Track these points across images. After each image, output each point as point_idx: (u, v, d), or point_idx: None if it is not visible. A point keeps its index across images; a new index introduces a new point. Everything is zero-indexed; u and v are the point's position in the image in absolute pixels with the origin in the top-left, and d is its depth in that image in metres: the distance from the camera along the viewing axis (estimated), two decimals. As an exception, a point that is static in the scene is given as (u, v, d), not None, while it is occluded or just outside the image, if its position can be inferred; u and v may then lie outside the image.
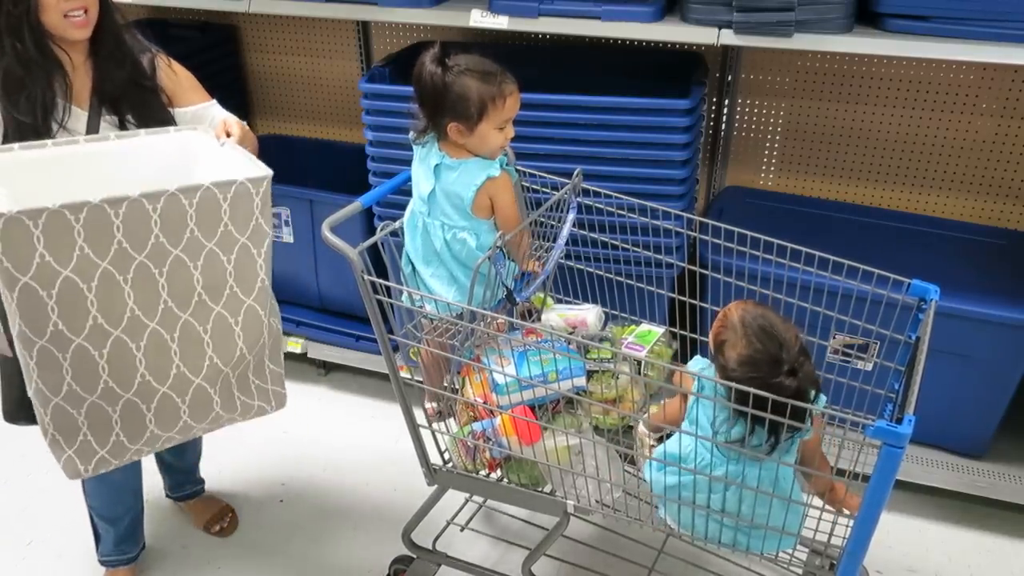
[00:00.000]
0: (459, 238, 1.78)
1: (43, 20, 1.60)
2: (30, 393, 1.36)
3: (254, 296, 1.41)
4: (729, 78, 2.62)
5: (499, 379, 1.75)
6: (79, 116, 1.71)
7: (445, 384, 1.90)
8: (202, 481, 2.39)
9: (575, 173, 1.93)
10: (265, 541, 2.33)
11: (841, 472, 1.56)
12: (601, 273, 2.02)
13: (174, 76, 1.85)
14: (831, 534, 1.67)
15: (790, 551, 1.70)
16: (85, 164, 1.53)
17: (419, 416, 1.86)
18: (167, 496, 2.39)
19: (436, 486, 1.95)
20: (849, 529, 1.48)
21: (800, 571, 1.82)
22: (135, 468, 2.07)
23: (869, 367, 2.10)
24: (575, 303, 2.04)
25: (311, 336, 2.87)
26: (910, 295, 1.69)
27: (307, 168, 3.01)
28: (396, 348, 1.81)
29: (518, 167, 1.90)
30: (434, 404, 1.91)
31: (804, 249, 1.74)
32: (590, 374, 1.82)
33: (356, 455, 2.62)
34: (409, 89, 2.31)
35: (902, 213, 2.58)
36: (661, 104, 2.13)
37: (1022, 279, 2.21)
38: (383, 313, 1.71)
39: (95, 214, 1.18)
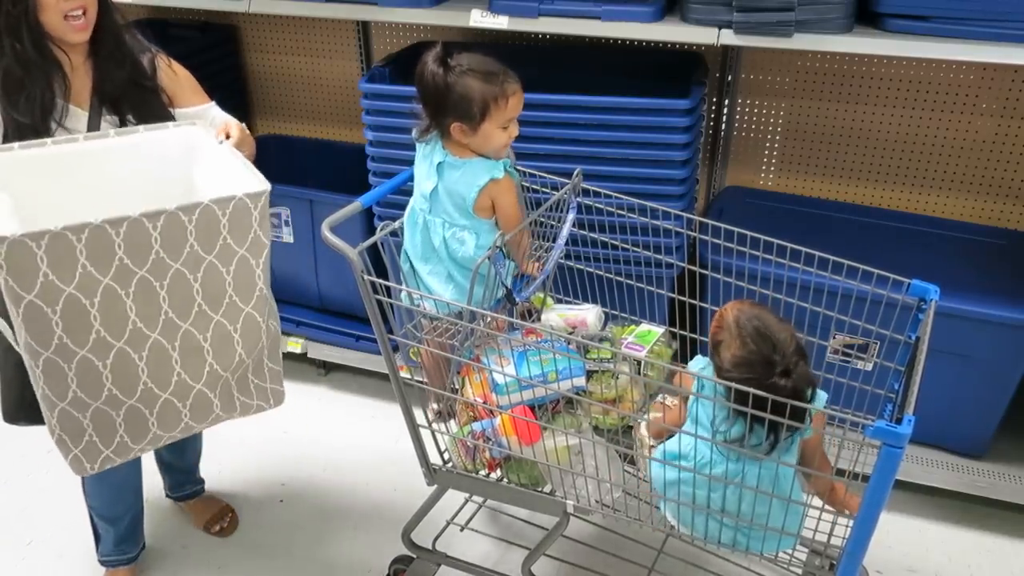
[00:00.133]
0: (459, 237, 1.79)
1: (42, 20, 1.60)
2: (38, 396, 1.36)
3: (252, 304, 1.42)
4: (729, 78, 2.62)
5: (499, 379, 1.75)
6: (79, 116, 1.71)
7: (445, 386, 1.90)
8: (202, 481, 2.39)
9: (575, 173, 1.93)
10: (265, 541, 2.33)
11: (841, 472, 1.56)
12: (601, 273, 2.02)
13: (174, 76, 1.85)
14: (831, 534, 1.67)
15: (790, 551, 1.70)
16: (85, 162, 1.54)
17: (419, 416, 1.86)
18: (167, 496, 2.39)
19: (436, 486, 1.95)
20: (849, 529, 1.48)
21: (800, 571, 1.82)
22: (135, 468, 2.07)
23: (869, 367, 2.10)
24: (575, 303, 2.04)
25: (311, 336, 2.87)
26: (910, 295, 1.69)
27: (307, 168, 3.01)
28: (396, 348, 1.81)
29: (518, 167, 1.90)
30: (436, 406, 1.91)
31: (804, 249, 1.74)
32: (590, 374, 1.82)
33: (356, 455, 2.62)
34: (409, 89, 2.31)
35: (902, 213, 2.58)
36: (661, 104, 2.13)
37: (1022, 279, 2.21)
38: (383, 313, 1.71)
39: (97, 234, 1.19)
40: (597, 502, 1.76)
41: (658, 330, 1.96)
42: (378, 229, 1.81)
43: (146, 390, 1.35)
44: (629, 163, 2.19)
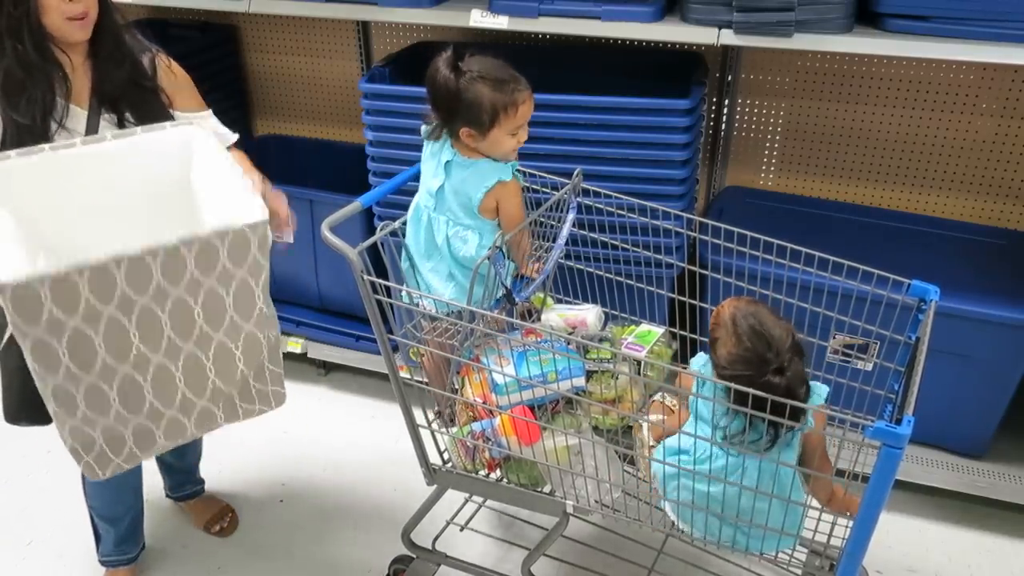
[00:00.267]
0: (462, 236, 1.79)
1: (44, 22, 1.60)
2: (49, 411, 1.38)
3: (253, 322, 1.44)
4: (729, 78, 2.62)
5: (499, 379, 1.75)
6: (79, 116, 1.70)
7: (445, 386, 1.90)
8: (202, 481, 2.39)
9: (575, 173, 1.94)
10: (265, 541, 2.33)
11: (841, 472, 1.56)
12: (601, 273, 2.02)
13: (173, 78, 1.84)
14: (831, 534, 1.67)
15: (790, 551, 1.70)
16: (83, 167, 1.54)
17: (419, 416, 1.86)
18: (167, 496, 2.39)
19: (436, 486, 1.95)
20: (849, 529, 1.48)
21: (800, 571, 1.82)
22: (136, 469, 2.07)
23: (869, 367, 2.10)
24: (575, 303, 2.04)
25: (311, 336, 2.87)
26: (910, 295, 1.69)
27: (307, 168, 3.01)
28: (396, 348, 1.81)
29: (520, 168, 1.90)
30: (436, 408, 1.91)
31: (804, 249, 1.74)
32: (590, 374, 1.82)
33: (356, 455, 2.62)
34: (409, 89, 2.33)
35: (902, 213, 2.58)
36: (661, 104, 2.12)
37: (1022, 279, 2.21)
38: (383, 313, 1.71)
39: (99, 271, 1.22)
40: (597, 502, 1.76)
41: (658, 330, 1.96)
42: (378, 229, 1.82)
43: (152, 409, 1.38)
44: (629, 163, 2.19)
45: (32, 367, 1.28)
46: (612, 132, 2.17)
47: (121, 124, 1.74)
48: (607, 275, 2.02)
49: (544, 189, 1.96)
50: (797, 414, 1.43)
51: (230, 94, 3.21)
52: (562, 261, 1.90)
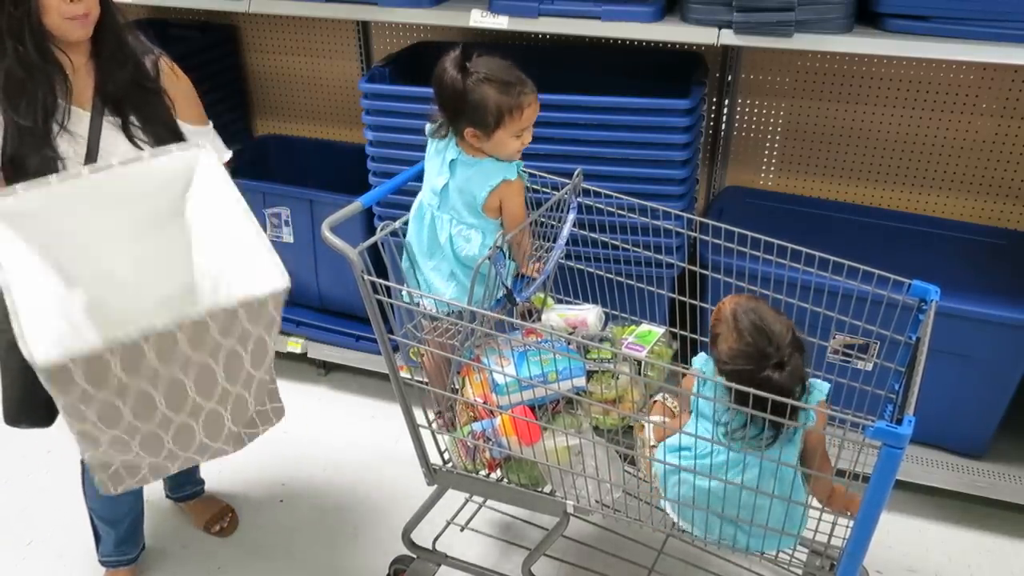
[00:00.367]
0: (465, 235, 1.79)
1: (45, 22, 1.59)
2: (74, 438, 1.40)
3: (264, 369, 1.48)
4: (729, 78, 2.62)
5: (499, 379, 1.75)
6: (81, 117, 1.70)
7: (446, 386, 1.90)
8: (202, 481, 2.39)
9: (575, 173, 1.94)
10: (265, 541, 2.33)
11: (841, 473, 1.56)
12: (601, 273, 2.02)
13: (176, 82, 1.83)
14: (831, 534, 1.67)
15: (790, 550, 1.70)
16: (91, 199, 1.56)
17: (419, 416, 1.86)
18: (167, 496, 2.39)
19: (436, 486, 1.95)
20: (849, 529, 1.48)
21: (800, 571, 1.82)
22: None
23: (869, 367, 2.10)
24: (575, 303, 2.04)
25: (311, 336, 2.87)
26: (910, 296, 1.69)
27: (307, 168, 3.02)
28: (396, 348, 1.81)
29: (523, 168, 1.90)
30: (438, 408, 1.90)
31: (804, 249, 1.74)
32: (590, 374, 1.82)
33: (356, 455, 2.62)
34: (409, 89, 2.33)
35: (902, 213, 2.58)
36: (661, 104, 2.12)
37: (1022, 279, 2.21)
38: (383, 313, 1.71)
39: (130, 349, 1.26)
40: (597, 502, 1.76)
41: (658, 330, 1.96)
42: (378, 229, 1.82)
43: (170, 452, 1.44)
44: (629, 163, 2.19)
45: (62, 413, 1.33)
46: (612, 132, 2.17)
47: (125, 127, 1.73)
48: (607, 275, 2.02)
49: (544, 189, 1.96)
50: (797, 411, 1.45)
51: (230, 94, 3.21)
52: (562, 261, 1.90)
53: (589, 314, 1.91)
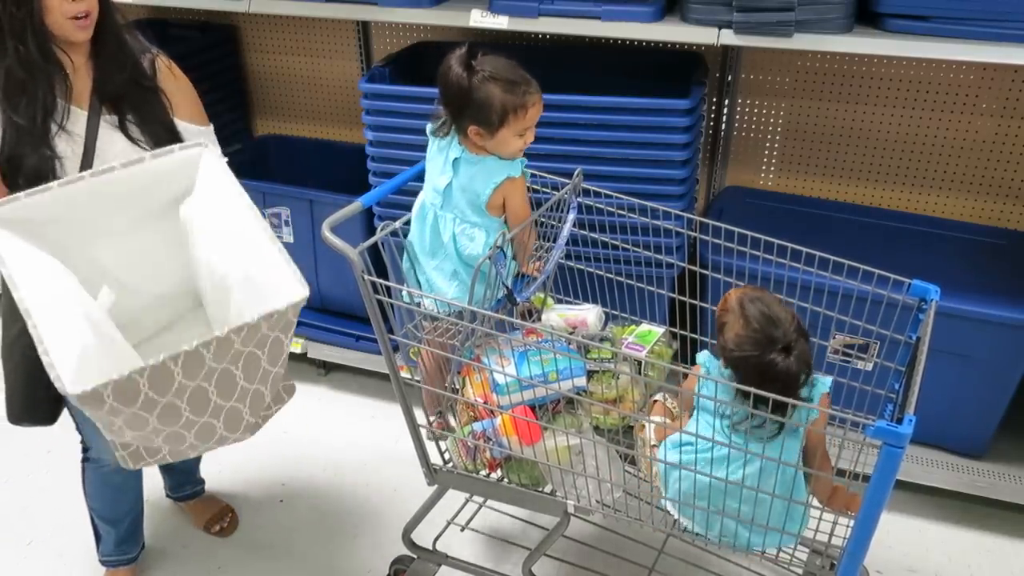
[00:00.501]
0: (468, 233, 1.79)
1: (47, 22, 1.59)
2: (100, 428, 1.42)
3: (280, 364, 1.50)
4: (729, 78, 2.62)
5: (499, 379, 1.75)
6: (78, 117, 1.70)
7: (445, 384, 1.90)
8: (202, 481, 2.39)
9: (575, 173, 1.94)
10: (265, 541, 2.33)
11: (842, 472, 1.56)
12: (601, 273, 2.02)
13: (174, 80, 1.83)
14: (831, 534, 1.67)
15: (791, 548, 1.70)
16: (93, 202, 1.57)
17: (419, 416, 1.86)
18: (167, 496, 2.39)
19: (436, 486, 1.95)
20: (849, 529, 1.48)
21: (800, 571, 1.82)
22: (136, 471, 2.07)
23: (869, 367, 2.10)
24: (575, 303, 2.04)
25: (311, 336, 2.87)
26: (910, 295, 1.69)
27: (307, 168, 3.02)
28: (396, 348, 1.81)
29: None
30: (428, 417, 1.90)
31: (804, 249, 1.74)
32: (590, 374, 1.82)
33: (356, 455, 2.62)
34: (409, 89, 2.33)
35: (902, 213, 2.58)
36: (661, 104, 2.13)
37: (1022, 279, 2.21)
38: (383, 313, 1.71)
39: (158, 371, 1.29)
40: (598, 502, 1.76)
41: (658, 330, 1.96)
42: (378, 229, 1.81)
43: (191, 444, 1.47)
44: (629, 163, 2.19)
45: (87, 414, 1.35)
46: (612, 132, 2.17)
47: (123, 125, 1.73)
48: (607, 275, 2.02)
49: (544, 189, 1.96)
50: (802, 394, 1.49)
51: (230, 94, 3.21)
52: (562, 261, 1.90)
53: (589, 314, 1.91)
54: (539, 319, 1.95)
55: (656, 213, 1.94)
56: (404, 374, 1.82)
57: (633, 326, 1.99)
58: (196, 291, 1.77)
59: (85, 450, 1.99)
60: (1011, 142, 2.46)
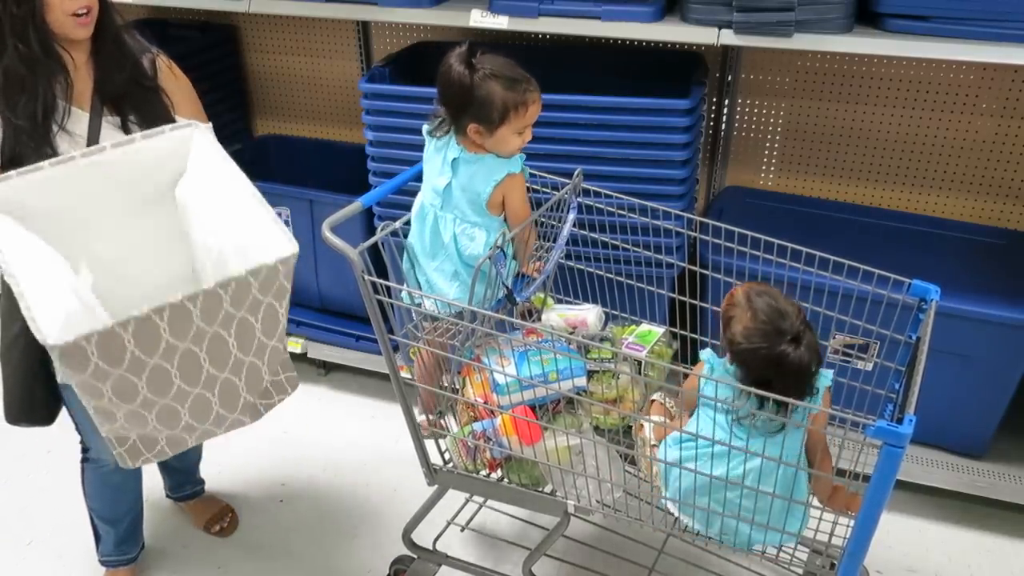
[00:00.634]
0: (469, 233, 1.79)
1: (48, 20, 1.59)
2: (89, 413, 1.40)
3: (277, 338, 1.48)
4: (729, 78, 2.62)
5: (499, 379, 1.75)
6: (79, 117, 1.70)
7: (444, 384, 1.90)
8: (202, 481, 2.39)
9: (575, 173, 1.94)
10: (265, 541, 2.33)
11: (842, 472, 1.56)
12: (601, 273, 2.02)
13: (174, 80, 1.83)
14: (832, 534, 1.67)
15: (791, 547, 1.70)
16: (85, 183, 1.55)
17: (419, 416, 1.86)
18: (167, 496, 2.39)
19: (436, 486, 1.95)
20: (849, 529, 1.48)
21: (800, 571, 1.82)
22: (136, 471, 2.07)
23: (869, 367, 2.10)
24: (575, 303, 2.04)
25: (311, 336, 2.87)
26: (910, 295, 1.69)
27: (307, 168, 3.01)
28: (396, 348, 1.81)
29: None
30: (427, 417, 1.90)
31: (804, 249, 1.75)
32: (590, 374, 1.82)
33: (356, 455, 2.62)
34: (409, 89, 2.33)
35: (902, 213, 2.58)
36: (661, 104, 2.13)
37: (1022, 279, 2.21)
38: (383, 313, 1.71)
39: (143, 324, 1.26)
40: (598, 502, 1.76)
41: (658, 330, 1.96)
42: (378, 229, 1.81)
43: (187, 424, 1.44)
44: (629, 163, 2.19)
45: (77, 392, 1.33)
46: (612, 132, 2.17)
47: (125, 126, 1.73)
48: (607, 275, 2.02)
49: (544, 189, 1.96)
50: (811, 386, 1.50)
51: (230, 94, 3.21)
52: (562, 261, 1.90)
53: (589, 314, 1.91)
54: (539, 319, 1.95)
55: (656, 213, 1.94)
56: (404, 374, 1.82)
57: (633, 326, 1.99)
58: (198, 277, 1.76)
59: (85, 450, 1.99)
60: (1011, 142, 2.46)
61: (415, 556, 2.08)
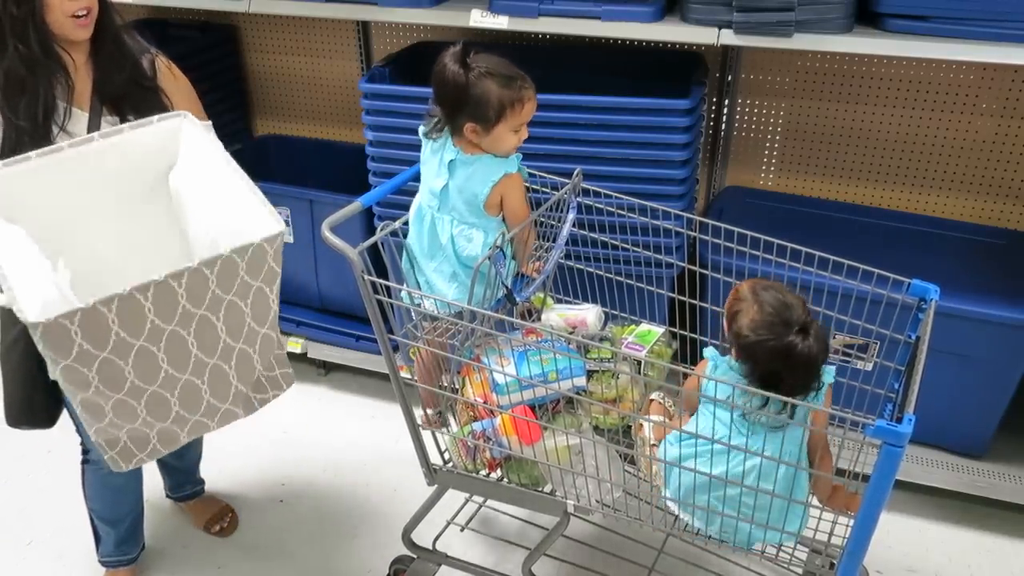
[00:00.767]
0: (467, 234, 1.79)
1: (48, 20, 1.59)
2: (76, 412, 1.39)
3: (268, 325, 1.47)
4: (729, 78, 2.62)
5: (499, 379, 1.75)
6: (79, 118, 1.70)
7: (444, 384, 1.90)
8: (202, 481, 2.39)
9: (575, 173, 1.94)
10: (265, 541, 2.33)
11: (842, 472, 1.56)
12: (601, 273, 2.02)
13: (174, 80, 1.83)
14: (831, 534, 1.67)
15: (791, 546, 1.70)
16: (74, 174, 1.54)
17: (419, 416, 1.86)
18: (167, 496, 2.39)
19: (436, 486, 1.95)
20: (849, 528, 1.48)
21: (800, 571, 1.82)
22: (136, 471, 2.07)
23: (869, 367, 2.10)
24: (575, 303, 2.04)
25: (311, 336, 2.87)
26: (910, 295, 1.69)
27: (307, 168, 3.02)
28: (396, 348, 1.81)
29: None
30: (429, 411, 1.90)
31: (804, 249, 1.75)
32: (590, 374, 1.82)
33: (356, 455, 2.62)
34: (409, 89, 2.33)
35: (902, 213, 2.58)
36: (661, 104, 2.13)
37: (1022, 279, 2.21)
38: (383, 313, 1.71)
39: (126, 302, 1.24)
40: (597, 502, 1.76)
41: (658, 330, 1.96)
42: (378, 229, 1.81)
43: (178, 416, 1.42)
44: (629, 163, 2.19)
45: (62, 384, 1.31)
46: (612, 132, 2.17)
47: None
48: (607, 275, 2.02)
49: (544, 189, 1.96)
50: (815, 379, 1.51)
51: (230, 94, 3.21)
52: (562, 261, 1.90)
53: (589, 314, 1.91)
54: (539, 319, 1.95)
55: (656, 213, 1.94)
56: (404, 374, 1.82)
57: (633, 326, 1.99)
58: None
59: (85, 452, 1.99)
60: (1011, 142, 2.46)
61: (415, 556, 2.08)
